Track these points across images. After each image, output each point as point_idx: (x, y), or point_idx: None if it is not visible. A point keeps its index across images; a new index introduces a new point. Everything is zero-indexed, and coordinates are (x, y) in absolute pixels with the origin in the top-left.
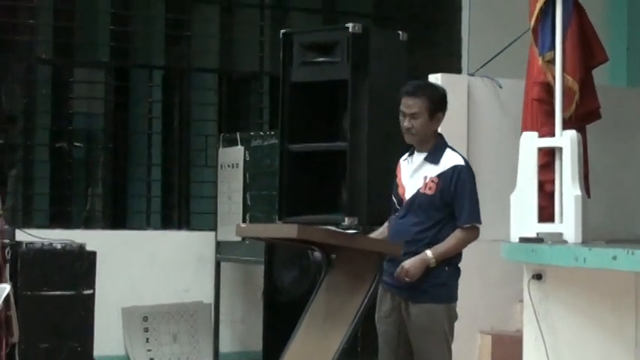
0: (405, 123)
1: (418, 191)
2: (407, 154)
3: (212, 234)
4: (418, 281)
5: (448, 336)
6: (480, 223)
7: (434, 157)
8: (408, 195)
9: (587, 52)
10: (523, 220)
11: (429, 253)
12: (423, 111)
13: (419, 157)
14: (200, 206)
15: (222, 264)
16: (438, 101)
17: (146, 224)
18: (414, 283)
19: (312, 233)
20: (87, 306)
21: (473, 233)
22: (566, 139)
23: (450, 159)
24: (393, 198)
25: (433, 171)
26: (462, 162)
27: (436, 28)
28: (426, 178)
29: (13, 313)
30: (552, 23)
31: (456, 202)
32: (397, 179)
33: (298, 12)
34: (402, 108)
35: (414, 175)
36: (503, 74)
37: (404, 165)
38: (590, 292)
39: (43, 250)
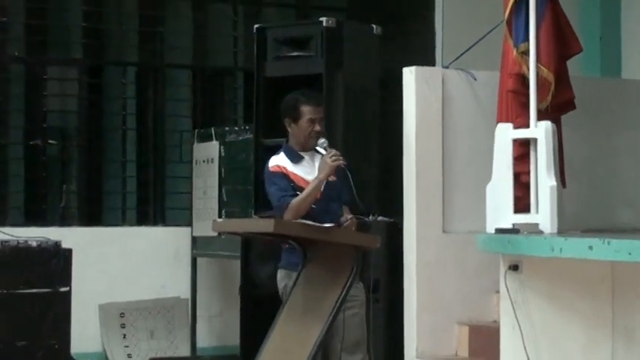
0: (318, 127)
1: (328, 181)
2: (289, 161)
3: (188, 229)
4: None
5: None
6: None
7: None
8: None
9: (561, 42)
10: (499, 211)
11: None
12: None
13: (312, 155)
14: (175, 202)
15: (199, 259)
16: None
17: (121, 221)
18: None
19: (288, 227)
20: (64, 303)
21: None
22: (540, 130)
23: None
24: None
25: None
26: None
27: (410, 21)
28: None
29: None
30: (526, 14)
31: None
32: (294, 182)
33: (271, 7)
34: (312, 115)
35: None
36: (478, 66)
37: (297, 168)
38: (567, 281)
39: (19, 249)
